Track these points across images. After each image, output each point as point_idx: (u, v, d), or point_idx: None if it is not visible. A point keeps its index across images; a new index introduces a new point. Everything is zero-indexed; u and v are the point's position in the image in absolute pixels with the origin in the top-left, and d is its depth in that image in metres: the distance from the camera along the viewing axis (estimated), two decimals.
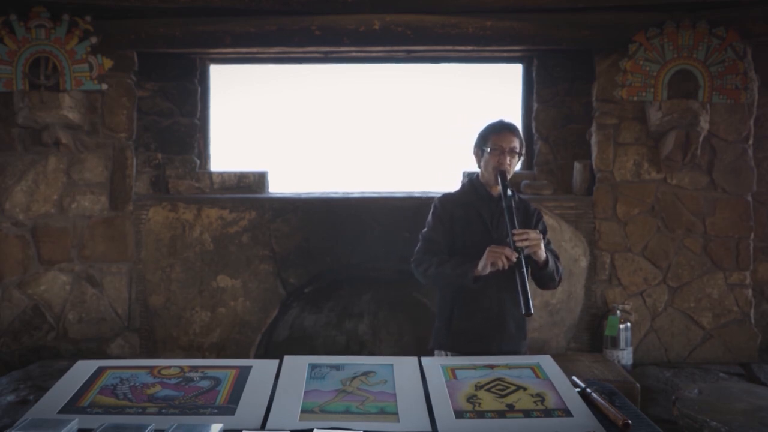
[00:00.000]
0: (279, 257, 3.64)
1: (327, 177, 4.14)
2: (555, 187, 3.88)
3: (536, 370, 1.78)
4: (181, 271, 3.65)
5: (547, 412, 1.55)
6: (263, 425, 1.48)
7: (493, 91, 4.22)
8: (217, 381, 1.70)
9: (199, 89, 4.02)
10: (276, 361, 1.81)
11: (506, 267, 2.17)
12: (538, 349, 3.57)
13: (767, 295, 3.88)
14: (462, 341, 2.39)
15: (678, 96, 3.49)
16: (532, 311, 2.08)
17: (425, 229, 2.50)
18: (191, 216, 3.65)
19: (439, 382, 1.70)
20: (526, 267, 2.32)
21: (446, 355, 2.42)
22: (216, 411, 1.54)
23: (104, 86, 3.56)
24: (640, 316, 3.66)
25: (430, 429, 1.47)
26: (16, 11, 3.44)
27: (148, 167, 3.94)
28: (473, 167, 4.02)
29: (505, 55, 4.04)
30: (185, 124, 3.98)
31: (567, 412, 1.55)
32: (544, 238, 2.48)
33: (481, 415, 1.53)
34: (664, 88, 3.51)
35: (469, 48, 3.69)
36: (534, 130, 4.00)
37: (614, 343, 3.48)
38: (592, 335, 3.67)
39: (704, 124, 3.50)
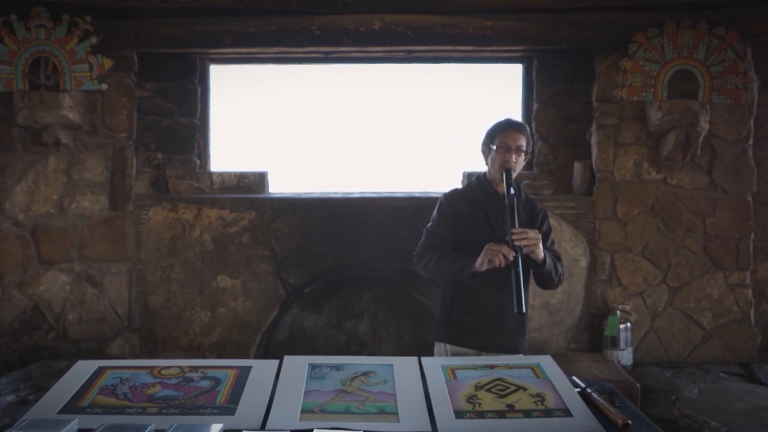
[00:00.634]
0: (279, 257, 3.64)
1: (327, 177, 4.15)
2: (555, 187, 3.88)
3: (536, 370, 1.78)
4: (181, 271, 3.65)
5: (547, 412, 1.55)
6: (263, 425, 1.48)
7: (493, 91, 4.22)
8: (217, 381, 1.70)
9: (199, 89, 4.02)
10: (276, 361, 1.81)
11: (503, 265, 2.18)
12: (538, 349, 3.57)
13: (767, 295, 3.88)
14: (460, 335, 2.42)
15: (678, 96, 3.49)
16: (524, 310, 2.12)
17: (429, 224, 2.53)
18: (191, 216, 3.65)
19: (439, 382, 1.70)
20: (527, 266, 2.32)
21: (445, 347, 2.46)
22: (216, 411, 1.54)
23: (104, 86, 3.56)
24: (640, 316, 3.66)
25: (430, 429, 1.47)
26: (16, 11, 3.44)
27: (148, 167, 3.94)
28: (473, 167, 4.06)
29: (505, 55, 4.04)
30: (185, 124, 3.98)
31: (567, 412, 1.55)
32: (548, 239, 2.49)
33: (481, 415, 1.53)
34: (664, 88, 3.51)
35: (469, 48, 3.69)
36: (534, 130, 4.00)
37: (614, 343, 3.48)
38: (592, 335, 3.67)
39: (704, 124, 3.50)
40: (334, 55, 3.98)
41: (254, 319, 3.66)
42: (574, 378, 1.78)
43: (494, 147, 2.41)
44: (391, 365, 1.79)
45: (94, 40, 3.49)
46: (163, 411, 1.54)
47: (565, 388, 1.67)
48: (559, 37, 3.55)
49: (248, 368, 1.77)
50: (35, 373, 3.31)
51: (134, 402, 1.59)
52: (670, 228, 3.65)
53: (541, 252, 2.29)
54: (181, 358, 3.50)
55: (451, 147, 4.06)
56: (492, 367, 1.81)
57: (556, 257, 2.48)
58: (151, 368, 1.78)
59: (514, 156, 2.38)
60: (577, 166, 3.83)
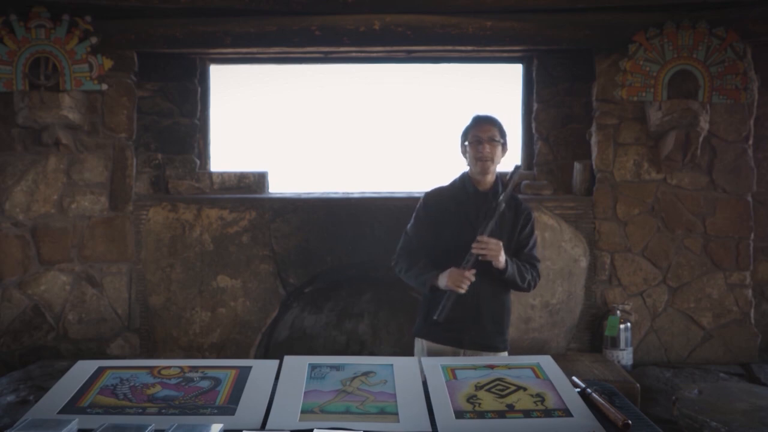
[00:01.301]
0: (279, 257, 3.64)
1: (327, 177, 4.15)
2: (555, 187, 3.88)
3: (536, 371, 1.78)
4: (181, 272, 3.65)
5: (547, 413, 1.55)
6: (263, 425, 1.48)
7: (493, 91, 4.22)
8: (217, 381, 1.70)
9: (199, 89, 4.02)
10: (276, 362, 1.81)
11: (465, 288, 2.28)
12: (538, 349, 3.57)
13: (767, 295, 3.89)
14: (437, 331, 2.44)
15: (678, 96, 3.49)
16: (437, 318, 2.30)
17: (409, 224, 2.58)
18: (191, 216, 3.65)
19: (439, 382, 1.70)
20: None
21: (422, 343, 2.50)
22: (216, 411, 1.54)
23: (104, 86, 3.56)
24: (640, 316, 3.66)
25: (430, 429, 1.47)
26: (16, 11, 3.44)
27: (148, 167, 3.95)
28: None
29: (505, 55, 4.04)
30: (185, 124, 3.98)
31: (567, 413, 1.55)
32: (528, 242, 2.51)
33: (481, 415, 1.53)
34: (664, 88, 3.51)
35: (469, 48, 3.69)
36: (534, 130, 4.00)
37: (614, 343, 3.48)
38: (592, 335, 3.67)
39: (704, 124, 3.50)
40: (334, 55, 3.98)
41: (254, 319, 3.66)
42: (574, 378, 1.78)
43: (468, 143, 2.45)
44: (391, 365, 1.79)
45: (94, 40, 3.49)
46: (163, 411, 1.54)
47: (565, 388, 1.68)
48: (559, 37, 3.55)
49: (248, 368, 1.77)
50: (35, 373, 3.31)
51: (134, 402, 1.59)
52: (670, 228, 3.65)
53: (501, 261, 2.32)
54: (181, 358, 3.50)
55: (451, 147, 4.06)
56: (492, 367, 1.81)
57: (530, 263, 2.49)
58: (151, 368, 1.78)
59: (487, 147, 2.40)
60: (577, 166, 3.83)
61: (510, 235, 2.47)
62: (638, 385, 3.07)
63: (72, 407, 1.56)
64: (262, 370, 1.76)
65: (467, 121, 2.53)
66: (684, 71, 3.50)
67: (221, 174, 4.01)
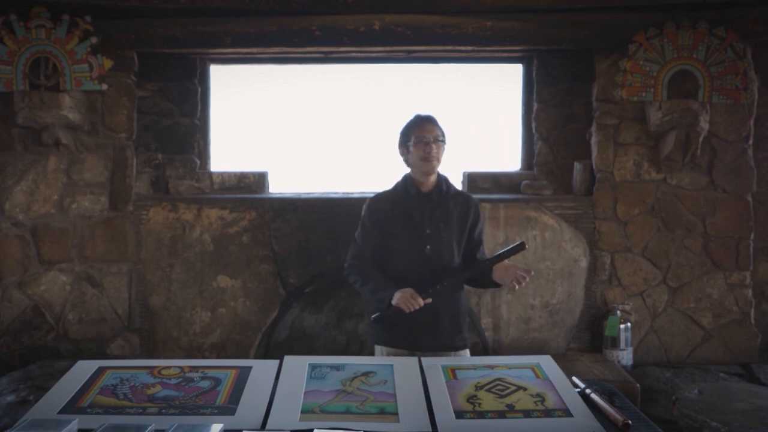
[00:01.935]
0: (279, 257, 3.64)
1: (327, 177, 4.14)
2: (555, 187, 3.88)
3: (536, 371, 1.78)
4: (181, 272, 3.65)
5: (547, 413, 1.55)
6: (263, 425, 1.48)
7: (493, 91, 4.22)
8: (217, 381, 1.70)
9: (199, 89, 4.02)
10: (276, 362, 1.81)
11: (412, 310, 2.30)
12: (538, 349, 3.57)
13: (767, 295, 3.89)
14: (396, 337, 2.46)
15: (678, 96, 3.49)
16: (373, 318, 2.41)
17: (357, 231, 2.59)
18: (191, 216, 3.65)
19: (439, 382, 1.70)
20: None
21: (381, 349, 2.51)
22: (216, 411, 1.54)
23: (104, 86, 3.56)
24: (640, 316, 3.66)
25: (430, 429, 1.47)
26: (16, 11, 3.44)
27: (148, 167, 3.95)
28: (473, 167, 4.05)
29: (505, 55, 4.04)
30: (185, 124, 3.98)
31: (567, 413, 1.55)
32: (475, 229, 2.55)
33: (481, 415, 1.53)
34: (664, 88, 3.51)
35: (469, 48, 3.69)
36: (534, 130, 4.00)
37: (614, 343, 3.48)
38: (592, 335, 3.67)
39: (704, 124, 3.50)
40: (334, 55, 3.98)
41: (254, 319, 3.66)
42: (574, 378, 1.78)
43: (412, 144, 2.45)
44: (391, 365, 1.79)
45: (94, 40, 3.49)
46: (163, 411, 1.54)
47: (565, 388, 1.68)
48: (559, 37, 3.55)
49: (248, 368, 1.77)
50: (35, 373, 3.31)
51: (134, 402, 1.59)
52: (670, 228, 3.65)
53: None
54: (181, 358, 3.50)
55: (450, 147, 4.05)
56: (492, 367, 1.81)
57: (479, 246, 2.58)
58: (151, 368, 1.78)
59: (434, 147, 2.43)
60: (577, 166, 3.83)
61: (461, 231, 2.50)
62: (638, 385, 3.07)
63: (72, 407, 1.57)
64: (262, 370, 1.77)
65: (406, 120, 2.53)
66: (684, 71, 3.50)
67: (221, 174, 4.01)
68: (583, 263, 3.65)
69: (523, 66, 4.11)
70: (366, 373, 1.74)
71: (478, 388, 1.67)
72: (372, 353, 3.96)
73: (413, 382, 1.70)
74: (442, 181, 2.53)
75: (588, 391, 1.68)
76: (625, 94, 3.57)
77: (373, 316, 2.43)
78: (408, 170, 2.57)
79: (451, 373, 1.76)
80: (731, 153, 3.62)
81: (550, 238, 3.60)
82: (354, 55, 3.96)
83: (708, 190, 3.64)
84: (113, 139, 3.66)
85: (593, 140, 3.72)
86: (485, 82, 4.19)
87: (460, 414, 1.53)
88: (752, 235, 3.64)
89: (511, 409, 1.56)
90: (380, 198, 2.59)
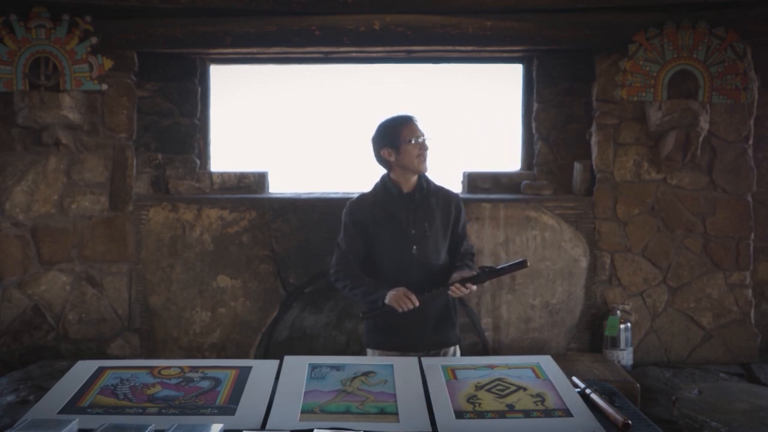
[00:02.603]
0: (279, 257, 3.64)
1: (327, 177, 4.14)
2: (555, 187, 3.88)
3: (536, 371, 1.78)
4: (181, 272, 3.65)
5: (547, 413, 1.55)
6: (263, 425, 1.48)
7: (493, 91, 4.22)
8: (217, 381, 1.70)
9: (200, 89, 4.02)
10: (276, 362, 1.81)
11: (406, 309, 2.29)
12: (538, 349, 3.57)
13: (767, 295, 3.89)
14: (386, 338, 2.45)
15: (678, 96, 3.49)
16: (363, 315, 2.42)
17: (340, 236, 2.55)
18: (191, 216, 3.65)
19: (439, 382, 1.70)
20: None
21: (373, 353, 2.49)
22: (216, 411, 1.54)
23: (104, 86, 3.56)
24: (640, 316, 3.66)
25: (430, 429, 1.47)
26: (16, 11, 3.44)
27: (148, 167, 3.95)
28: (473, 167, 4.05)
29: (505, 55, 4.04)
30: (185, 124, 3.98)
31: (567, 413, 1.55)
32: (464, 230, 2.55)
33: (481, 415, 1.53)
34: (664, 88, 3.51)
35: (469, 48, 3.69)
36: (534, 130, 4.00)
37: (614, 343, 3.48)
38: (592, 335, 3.67)
39: (704, 124, 3.50)
40: (334, 56, 3.98)
41: (254, 319, 3.66)
42: (574, 378, 1.78)
43: (406, 143, 2.40)
44: (391, 365, 1.79)
45: (94, 40, 3.49)
46: (163, 411, 1.54)
47: (565, 389, 1.68)
48: (559, 37, 3.54)
49: (248, 368, 1.77)
50: (35, 373, 3.31)
51: (134, 402, 1.59)
52: (670, 228, 3.65)
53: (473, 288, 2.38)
54: (181, 358, 3.50)
55: (451, 147, 4.06)
56: (492, 367, 1.81)
57: (470, 253, 2.60)
58: (151, 368, 1.78)
59: (426, 147, 2.43)
60: (577, 166, 3.83)
61: (445, 228, 2.49)
62: (638, 385, 3.07)
63: (72, 407, 1.57)
64: (262, 370, 1.77)
65: (385, 121, 2.52)
66: (684, 71, 3.50)
67: (221, 174, 4.01)
68: (583, 263, 3.65)
69: (523, 66, 4.11)
70: (366, 373, 1.74)
71: (478, 388, 1.67)
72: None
73: (413, 382, 1.70)
74: (422, 179, 2.50)
75: (588, 391, 1.68)
76: (625, 94, 3.57)
77: (362, 312, 2.42)
78: (384, 171, 2.55)
79: (451, 373, 1.76)
80: (731, 153, 3.62)
81: (550, 238, 3.60)
82: (354, 55, 3.96)
83: (708, 190, 3.64)
84: (113, 139, 3.66)
85: (593, 140, 3.72)
86: (485, 82, 4.19)
87: (460, 414, 1.53)
88: (752, 235, 3.64)
89: (511, 409, 1.56)
90: (360, 201, 2.56)
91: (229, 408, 1.56)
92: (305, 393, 1.63)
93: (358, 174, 4.14)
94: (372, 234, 2.46)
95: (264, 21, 3.51)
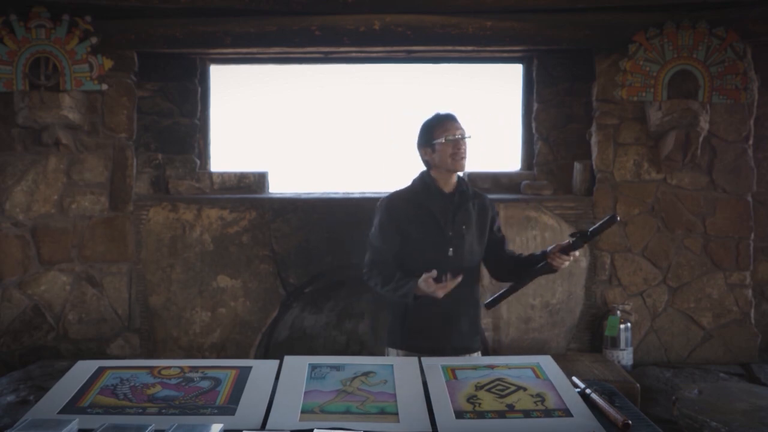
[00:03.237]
0: (279, 257, 3.64)
1: (327, 177, 4.14)
2: (555, 187, 3.88)
3: (536, 371, 1.78)
4: (182, 272, 3.65)
5: (547, 413, 1.55)
6: (263, 425, 1.48)
7: (493, 91, 4.22)
8: (218, 381, 1.70)
9: (200, 89, 4.02)
10: (276, 362, 1.81)
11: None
12: (538, 349, 3.57)
13: (767, 295, 3.89)
14: (416, 340, 2.39)
15: (678, 96, 3.49)
16: (487, 304, 2.50)
17: (372, 233, 2.48)
18: (191, 216, 3.65)
19: (439, 382, 1.70)
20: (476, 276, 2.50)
21: (398, 354, 2.43)
22: (216, 411, 1.54)
23: (104, 86, 3.56)
24: (640, 316, 3.66)
25: (430, 429, 1.47)
26: (16, 11, 3.44)
27: (148, 167, 3.95)
28: (473, 167, 4.05)
29: (505, 55, 4.04)
30: (185, 124, 3.98)
31: (567, 413, 1.55)
32: (494, 226, 2.51)
33: (481, 415, 1.53)
34: (664, 88, 3.51)
35: (469, 48, 3.69)
36: (534, 130, 4.00)
37: (614, 343, 3.48)
38: (592, 335, 3.67)
39: (704, 124, 3.50)
40: (334, 56, 3.98)
41: (254, 319, 3.66)
42: (574, 378, 1.78)
43: (440, 141, 2.36)
44: (391, 365, 1.79)
45: (94, 40, 3.49)
46: (163, 411, 1.54)
47: (565, 389, 1.68)
48: (559, 37, 3.55)
49: (248, 368, 1.77)
50: (35, 373, 3.31)
51: (134, 402, 1.59)
52: (670, 228, 3.65)
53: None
54: (181, 358, 3.50)
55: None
56: (492, 367, 1.81)
57: (504, 240, 2.59)
58: (151, 368, 1.78)
59: (463, 144, 2.36)
60: (577, 166, 3.83)
61: (481, 233, 2.46)
62: (638, 385, 3.07)
63: (72, 407, 1.56)
64: (262, 370, 1.76)
65: (425, 120, 2.46)
66: (684, 71, 3.50)
67: (221, 174, 4.01)
68: (583, 263, 3.65)
69: (523, 66, 4.11)
70: (366, 373, 1.74)
71: (478, 388, 1.67)
72: (371, 353, 3.99)
73: (413, 382, 1.70)
74: (462, 181, 2.46)
75: (588, 391, 1.68)
76: (625, 94, 3.57)
77: (486, 303, 2.47)
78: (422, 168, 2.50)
79: (451, 373, 1.76)
80: (731, 153, 3.62)
81: (550, 238, 3.60)
82: (354, 55, 3.96)
83: (708, 190, 3.64)
84: (113, 139, 3.66)
85: (593, 140, 3.72)
86: (485, 82, 4.19)
87: (460, 414, 1.53)
88: (752, 235, 3.64)
89: (511, 409, 1.56)
90: (398, 198, 2.47)
91: (229, 408, 1.56)
92: (305, 393, 1.63)
93: (357, 174, 4.15)
94: (407, 232, 2.38)
95: (264, 21, 3.51)
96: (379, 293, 2.41)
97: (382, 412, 1.54)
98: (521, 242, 3.58)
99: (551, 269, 2.35)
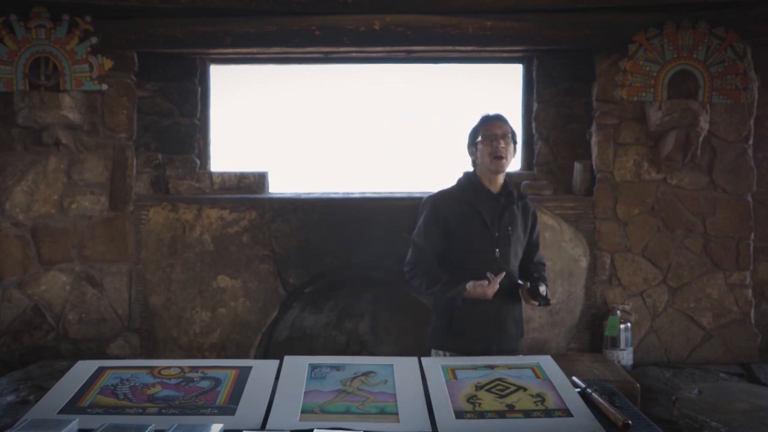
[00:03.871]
0: (279, 257, 3.64)
1: (327, 177, 4.15)
2: (555, 187, 3.88)
3: (536, 371, 1.78)
4: (181, 272, 3.65)
5: (547, 413, 1.55)
6: (263, 425, 1.48)
7: (493, 91, 4.22)
8: (217, 381, 1.70)
9: (200, 89, 4.02)
10: (276, 362, 1.81)
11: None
12: (538, 349, 3.57)
13: (767, 295, 3.88)
14: (462, 342, 2.38)
15: (678, 96, 3.49)
16: (541, 303, 2.34)
17: (416, 232, 2.47)
18: (191, 216, 3.65)
19: (439, 382, 1.70)
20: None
21: (444, 355, 2.41)
22: (216, 411, 1.54)
23: (104, 86, 3.56)
24: (640, 316, 3.66)
25: (430, 429, 1.47)
26: (16, 11, 3.44)
27: (148, 167, 3.95)
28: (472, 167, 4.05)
29: (505, 55, 4.04)
30: (185, 124, 3.98)
31: (567, 413, 1.55)
32: (533, 233, 2.52)
33: (481, 415, 1.53)
34: (664, 88, 3.51)
35: (469, 48, 3.69)
36: (534, 130, 4.00)
37: (614, 343, 3.48)
38: (592, 335, 3.67)
39: (704, 124, 3.50)
40: (334, 56, 3.98)
41: (254, 319, 3.66)
42: (574, 378, 1.78)
43: (480, 141, 2.38)
44: (391, 365, 1.79)
45: (94, 40, 3.49)
46: (163, 411, 1.54)
47: (565, 388, 1.68)
48: (559, 37, 3.55)
49: (248, 368, 1.77)
50: (35, 373, 3.31)
51: (134, 402, 1.59)
52: (670, 228, 3.65)
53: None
54: (181, 358, 3.50)
55: (451, 147, 4.06)
56: (492, 367, 1.81)
57: (542, 264, 2.56)
58: (151, 368, 1.78)
59: (501, 143, 2.35)
60: (577, 166, 3.83)
61: (524, 235, 2.47)
62: (638, 385, 3.07)
63: (72, 407, 1.56)
64: (262, 370, 1.76)
65: (474, 122, 2.48)
66: (684, 71, 3.50)
67: (221, 174, 4.01)
68: (583, 263, 3.65)
69: (523, 66, 4.11)
70: (366, 373, 1.74)
71: (478, 388, 1.67)
72: (371, 353, 3.99)
73: (413, 382, 1.70)
74: (508, 183, 2.45)
75: (588, 391, 1.68)
76: (625, 94, 3.57)
77: (539, 301, 2.36)
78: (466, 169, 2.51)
79: (451, 373, 1.76)
80: (731, 153, 3.62)
81: (550, 238, 3.60)
82: (354, 55, 3.96)
83: (708, 190, 3.64)
84: (113, 139, 3.66)
85: (593, 140, 3.72)
86: (485, 82, 4.20)
87: (460, 414, 1.53)
88: (752, 235, 3.64)
89: (511, 409, 1.56)
90: (444, 196, 2.46)
91: (229, 408, 1.55)
92: (305, 393, 1.62)
93: (358, 174, 4.15)
94: (453, 231, 2.37)
95: (264, 21, 3.51)
96: (423, 293, 2.45)
97: (382, 412, 1.54)
98: None
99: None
